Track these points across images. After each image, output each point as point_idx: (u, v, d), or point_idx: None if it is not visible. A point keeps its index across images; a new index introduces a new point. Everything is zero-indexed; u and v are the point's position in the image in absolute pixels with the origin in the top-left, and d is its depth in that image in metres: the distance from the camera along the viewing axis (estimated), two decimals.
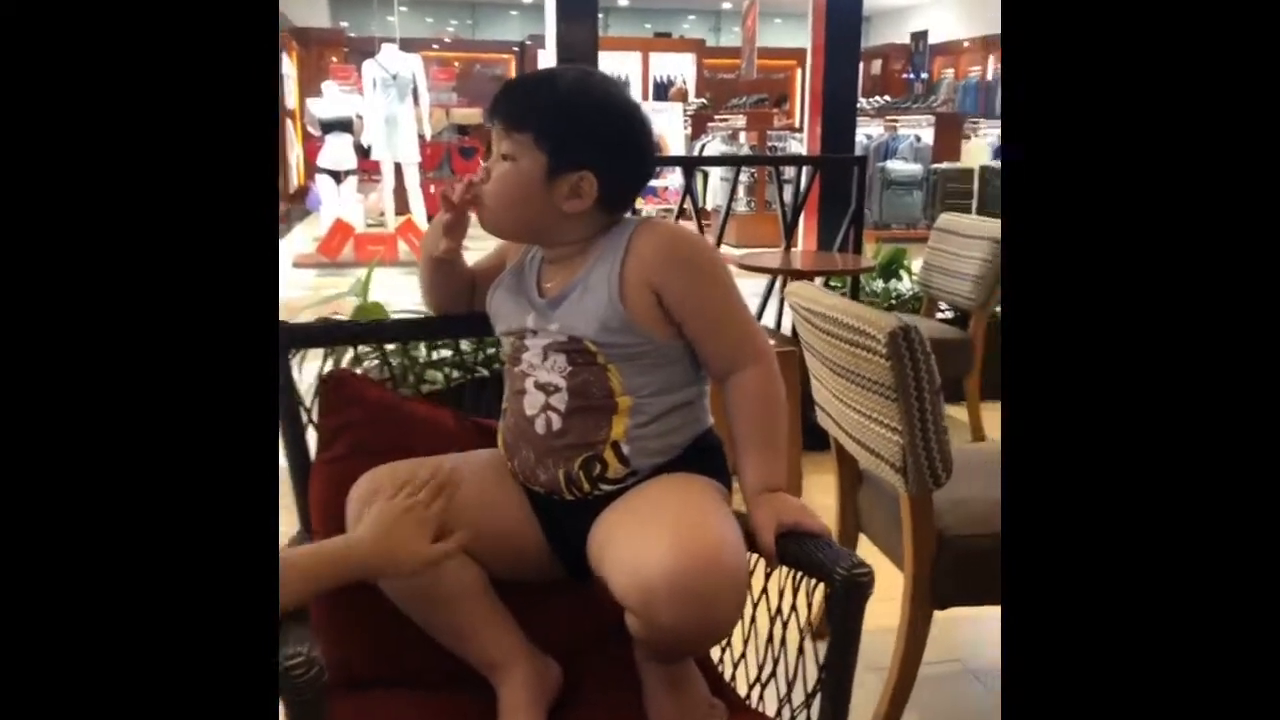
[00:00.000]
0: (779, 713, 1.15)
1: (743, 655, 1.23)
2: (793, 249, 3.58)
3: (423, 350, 2.57)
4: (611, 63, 10.20)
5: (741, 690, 1.22)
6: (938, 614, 1.63)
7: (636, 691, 1.11)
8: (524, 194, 1.12)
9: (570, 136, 1.11)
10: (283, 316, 1.21)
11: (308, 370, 1.59)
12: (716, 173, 8.39)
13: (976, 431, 3.13)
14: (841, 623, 1.03)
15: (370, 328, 1.53)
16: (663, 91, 11.58)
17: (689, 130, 10.02)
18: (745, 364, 1.15)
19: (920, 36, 13.77)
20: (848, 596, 1.02)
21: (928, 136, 9.50)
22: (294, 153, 10.78)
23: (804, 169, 3.61)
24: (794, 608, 1.11)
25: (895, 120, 9.84)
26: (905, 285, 3.81)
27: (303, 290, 5.87)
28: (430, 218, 3.26)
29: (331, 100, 8.01)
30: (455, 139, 9.82)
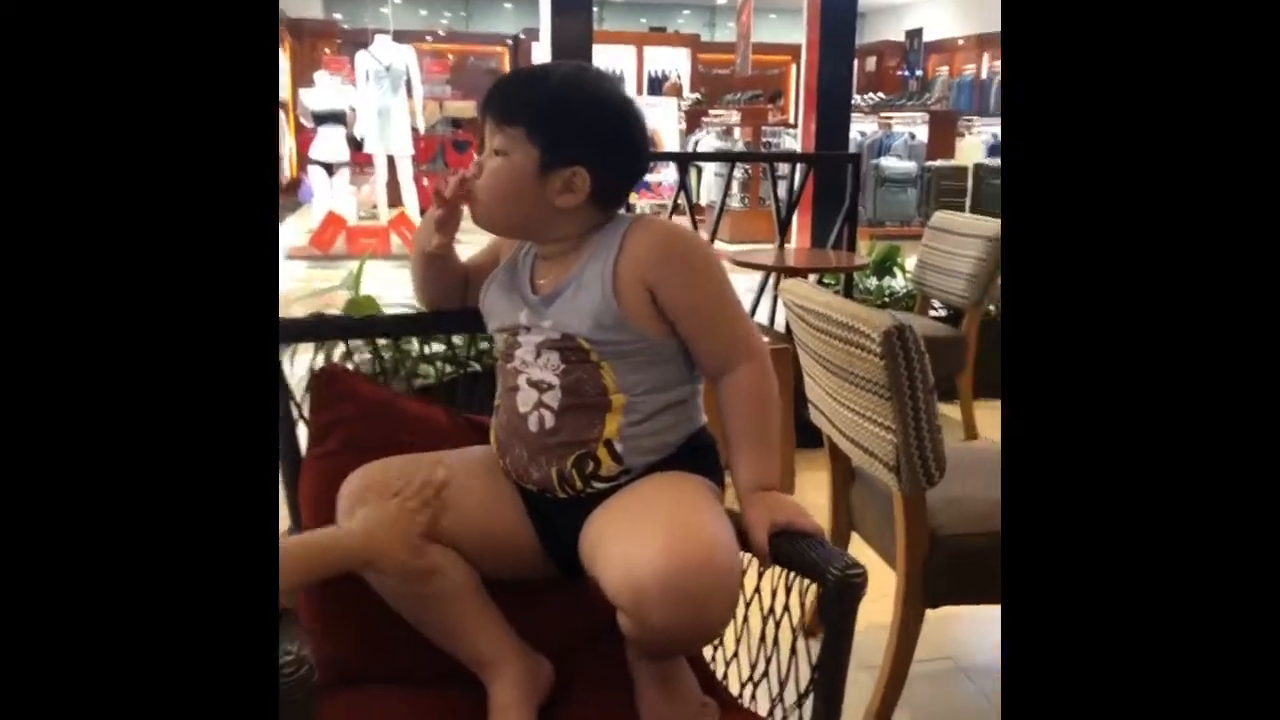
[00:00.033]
0: (771, 712, 1.15)
1: (735, 654, 1.23)
2: (786, 245, 3.58)
3: (415, 345, 2.55)
4: (606, 57, 10.18)
5: (734, 689, 1.22)
6: (929, 612, 1.63)
7: (628, 690, 1.11)
8: (516, 189, 1.12)
9: (563, 131, 1.10)
10: None
11: (299, 364, 1.58)
12: (710, 168, 8.39)
13: (969, 430, 3.14)
14: (834, 623, 1.03)
15: (363, 323, 1.52)
16: (657, 86, 11.55)
17: (683, 125, 10.01)
18: (739, 362, 1.14)
19: (915, 34, 13.78)
20: (841, 597, 1.02)
21: (922, 134, 9.50)
22: (286, 144, 10.73)
23: (798, 165, 3.60)
24: (786, 607, 1.11)
25: (890, 117, 9.84)
26: (899, 283, 3.81)
27: (294, 282, 5.85)
28: (423, 211, 3.26)
29: (324, 92, 7.97)
30: (449, 132, 9.78)
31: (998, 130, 9.65)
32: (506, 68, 12.87)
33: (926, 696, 1.84)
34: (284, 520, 1.29)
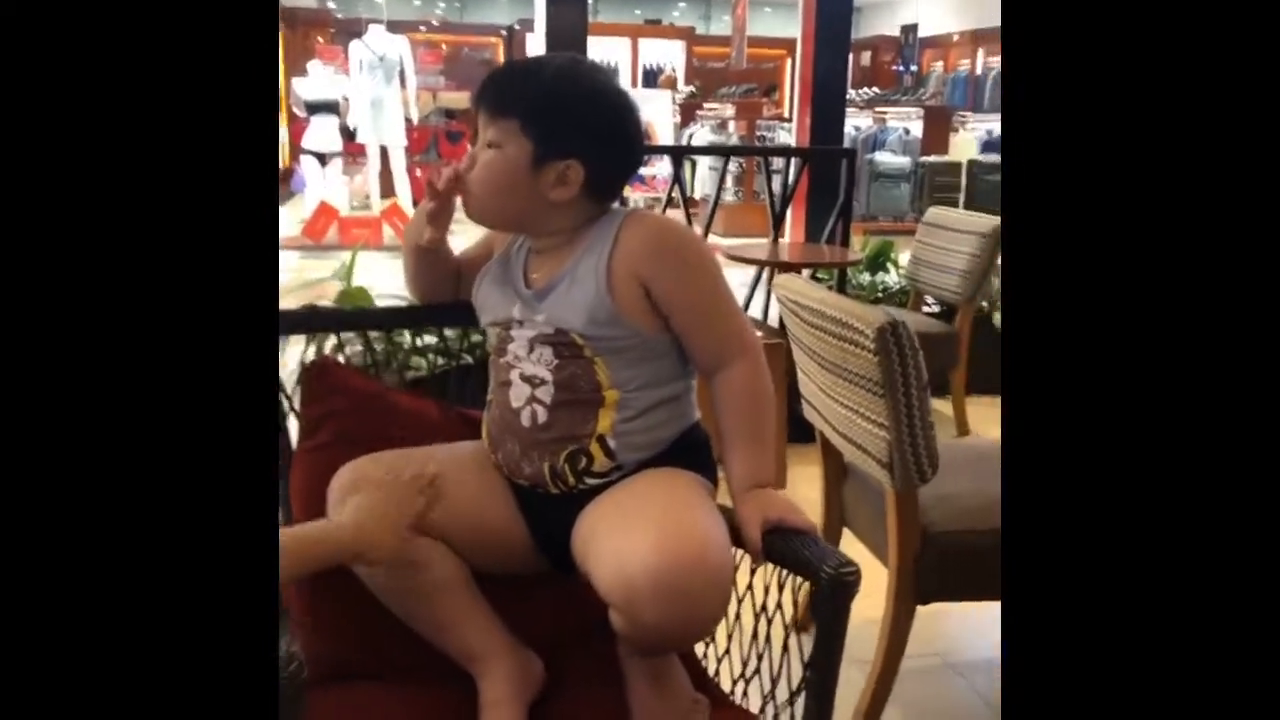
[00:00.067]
0: (763, 709, 1.15)
1: (727, 651, 1.23)
2: (780, 240, 3.57)
3: (407, 336, 2.54)
4: (600, 48, 10.13)
5: (726, 686, 1.22)
6: (920, 608, 1.63)
7: (619, 686, 1.10)
8: (510, 182, 1.11)
9: (557, 124, 1.09)
10: None
11: (290, 355, 1.57)
12: (705, 162, 8.38)
13: (961, 426, 3.14)
14: (827, 621, 1.03)
15: (355, 316, 1.52)
16: (652, 79, 11.51)
17: (678, 119, 9.99)
18: (733, 358, 1.13)
19: (910, 29, 13.77)
20: (834, 595, 1.01)
21: (916, 129, 9.50)
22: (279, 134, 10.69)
23: (793, 160, 3.60)
24: (779, 604, 1.10)
25: (884, 112, 9.83)
26: (892, 278, 3.80)
27: (287, 273, 5.82)
28: (416, 202, 3.24)
29: (317, 81, 7.93)
30: (442, 123, 9.75)
31: (991, 126, 9.67)
32: (500, 59, 12.82)
33: (917, 693, 1.84)
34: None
